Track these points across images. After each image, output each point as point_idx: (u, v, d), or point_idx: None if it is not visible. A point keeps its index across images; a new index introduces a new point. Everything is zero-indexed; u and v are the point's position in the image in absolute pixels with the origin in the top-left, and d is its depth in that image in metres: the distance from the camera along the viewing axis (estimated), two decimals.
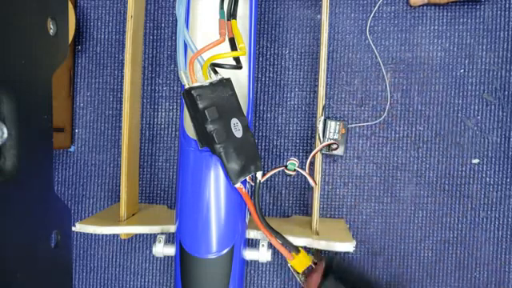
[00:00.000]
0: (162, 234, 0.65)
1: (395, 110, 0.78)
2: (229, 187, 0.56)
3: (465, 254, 0.77)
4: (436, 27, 0.77)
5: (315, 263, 0.64)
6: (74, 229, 0.64)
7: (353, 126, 0.78)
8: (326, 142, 0.75)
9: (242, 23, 0.62)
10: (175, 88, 0.81)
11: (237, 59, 0.56)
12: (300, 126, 0.79)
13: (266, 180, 0.79)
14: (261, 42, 0.80)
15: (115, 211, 0.70)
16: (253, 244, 0.72)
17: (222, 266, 0.58)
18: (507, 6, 0.76)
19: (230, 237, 0.57)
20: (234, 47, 0.56)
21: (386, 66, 0.78)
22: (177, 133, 0.81)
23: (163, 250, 0.63)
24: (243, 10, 0.63)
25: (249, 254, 0.62)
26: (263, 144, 0.80)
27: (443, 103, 0.77)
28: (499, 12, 0.76)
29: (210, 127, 0.52)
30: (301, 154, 0.79)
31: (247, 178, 0.56)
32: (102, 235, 0.82)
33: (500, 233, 0.77)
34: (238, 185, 0.56)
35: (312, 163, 0.68)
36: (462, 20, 0.77)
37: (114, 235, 0.81)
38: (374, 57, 0.78)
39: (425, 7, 0.77)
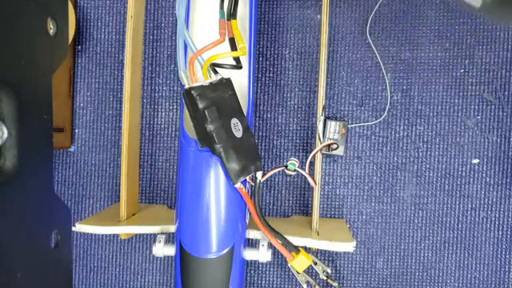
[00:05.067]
0: (162, 234, 0.65)
1: (395, 109, 0.78)
2: (229, 187, 0.56)
3: (465, 254, 0.77)
4: (436, 27, 0.77)
5: (315, 263, 0.64)
6: (73, 229, 0.64)
7: (353, 126, 0.78)
8: (326, 142, 0.75)
9: (241, 23, 0.62)
10: (175, 88, 0.81)
11: (237, 59, 0.56)
12: (300, 125, 0.79)
13: (266, 180, 0.79)
14: (261, 42, 0.80)
15: (115, 211, 0.70)
16: (253, 244, 0.72)
17: (222, 265, 0.57)
18: None
19: (229, 237, 0.57)
20: (233, 47, 0.56)
21: (385, 66, 0.78)
22: (177, 133, 0.81)
23: (163, 250, 0.63)
24: (243, 10, 0.63)
25: (249, 254, 0.62)
26: (263, 144, 0.80)
27: (443, 103, 0.77)
28: None
29: (210, 127, 0.52)
30: (301, 154, 0.79)
31: (247, 177, 0.56)
32: (102, 235, 0.82)
33: (500, 233, 0.77)
34: (238, 185, 0.56)
35: (312, 163, 0.68)
36: (461, 20, 0.77)
37: (114, 235, 0.81)
38: (374, 57, 0.78)
39: (425, 6, 0.77)
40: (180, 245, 0.58)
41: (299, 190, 0.80)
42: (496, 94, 0.77)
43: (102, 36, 0.82)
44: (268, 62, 0.80)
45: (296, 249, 0.59)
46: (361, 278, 0.79)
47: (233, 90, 0.56)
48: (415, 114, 0.78)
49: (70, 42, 0.79)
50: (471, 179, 0.77)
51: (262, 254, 0.62)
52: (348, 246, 0.63)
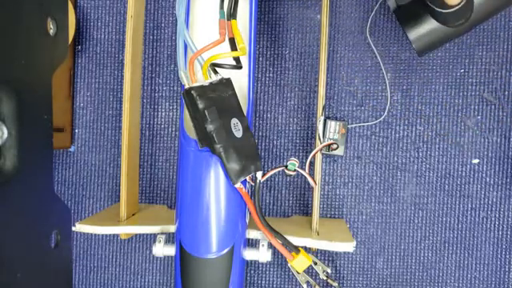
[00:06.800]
0: (162, 234, 0.65)
1: (395, 109, 0.78)
2: (229, 187, 0.56)
3: (465, 254, 0.77)
4: None
5: (315, 263, 0.64)
6: (73, 229, 0.64)
7: (353, 126, 0.78)
8: (326, 142, 0.75)
9: (241, 23, 0.62)
10: (175, 88, 0.81)
11: (237, 59, 0.56)
12: (300, 126, 0.79)
13: (266, 180, 0.79)
14: (261, 42, 0.80)
15: (115, 211, 0.70)
16: (253, 244, 0.72)
17: (221, 265, 0.58)
18: None
19: (229, 237, 0.57)
20: (233, 47, 0.56)
21: (385, 66, 0.78)
22: (177, 133, 0.81)
23: (163, 249, 0.63)
24: (243, 10, 0.63)
25: (249, 254, 0.62)
26: (263, 144, 0.80)
27: (443, 103, 0.77)
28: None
29: (210, 127, 0.52)
30: (301, 154, 0.79)
31: (247, 177, 0.56)
32: (102, 235, 0.82)
33: (500, 233, 0.77)
34: (238, 185, 0.56)
35: (312, 163, 0.68)
36: None
37: (114, 235, 0.81)
38: (374, 57, 0.78)
39: None
40: (180, 245, 0.58)
41: (299, 189, 0.80)
42: (496, 94, 0.77)
43: (102, 36, 0.82)
44: (268, 62, 0.80)
45: (296, 249, 0.59)
46: (361, 278, 0.79)
47: (233, 89, 0.56)
48: (415, 114, 0.78)
49: (70, 42, 0.79)
50: (471, 179, 0.77)
51: (262, 254, 0.62)
52: (348, 246, 0.63)
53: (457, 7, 0.58)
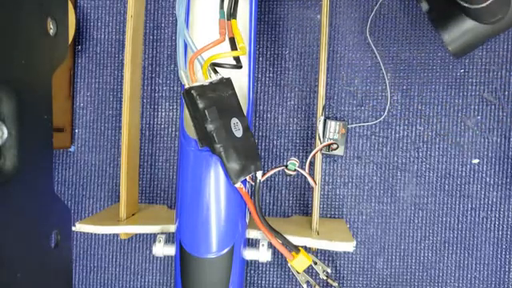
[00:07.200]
0: (161, 233, 0.65)
1: (395, 109, 0.78)
2: (229, 187, 0.56)
3: (465, 254, 0.77)
4: None
5: (315, 263, 0.64)
6: (73, 229, 0.64)
7: (353, 126, 0.78)
8: (326, 142, 0.75)
9: (242, 23, 0.62)
10: (175, 88, 0.81)
11: (237, 59, 0.56)
12: (300, 126, 0.79)
13: (266, 180, 0.79)
14: (261, 42, 0.80)
15: (115, 211, 0.70)
16: (253, 244, 0.72)
17: (221, 265, 0.58)
18: None
19: (229, 236, 0.57)
20: (234, 47, 0.56)
21: (385, 66, 0.78)
22: (177, 133, 0.81)
23: (163, 249, 0.63)
24: (243, 9, 0.63)
25: (249, 254, 0.62)
26: (263, 144, 0.80)
27: (443, 103, 0.77)
28: None
29: (210, 127, 0.52)
30: (301, 153, 0.79)
31: (247, 177, 0.56)
32: (102, 235, 0.82)
33: (500, 233, 0.77)
34: (238, 184, 0.56)
35: (312, 163, 0.68)
36: None
37: (114, 235, 0.81)
38: (374, 57, 0.78)
39: None
40: (180, 245, 0.58)
41: (299, 189, 0.80)
42: (496, 94, 0.77)
43: (102, 36, 0.82)
44: (268, 62, 0.80)
45: (296, 248, 0.59)
46: (361, 278, 0.79)
47: (233, 89, 0.56)
48: (415, 114, 0.78)
49: (70, 42, 0.79)
50: (471, 179, 0.77)
51: (262, 254, 0.62)
52: (348, 246, 0.63)
53: (489, 1, 0.53)
